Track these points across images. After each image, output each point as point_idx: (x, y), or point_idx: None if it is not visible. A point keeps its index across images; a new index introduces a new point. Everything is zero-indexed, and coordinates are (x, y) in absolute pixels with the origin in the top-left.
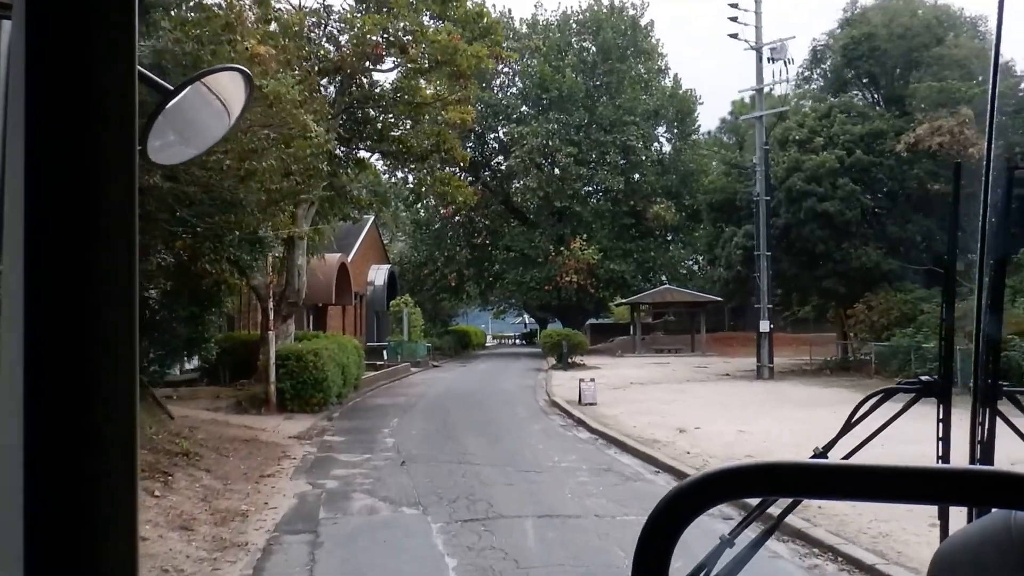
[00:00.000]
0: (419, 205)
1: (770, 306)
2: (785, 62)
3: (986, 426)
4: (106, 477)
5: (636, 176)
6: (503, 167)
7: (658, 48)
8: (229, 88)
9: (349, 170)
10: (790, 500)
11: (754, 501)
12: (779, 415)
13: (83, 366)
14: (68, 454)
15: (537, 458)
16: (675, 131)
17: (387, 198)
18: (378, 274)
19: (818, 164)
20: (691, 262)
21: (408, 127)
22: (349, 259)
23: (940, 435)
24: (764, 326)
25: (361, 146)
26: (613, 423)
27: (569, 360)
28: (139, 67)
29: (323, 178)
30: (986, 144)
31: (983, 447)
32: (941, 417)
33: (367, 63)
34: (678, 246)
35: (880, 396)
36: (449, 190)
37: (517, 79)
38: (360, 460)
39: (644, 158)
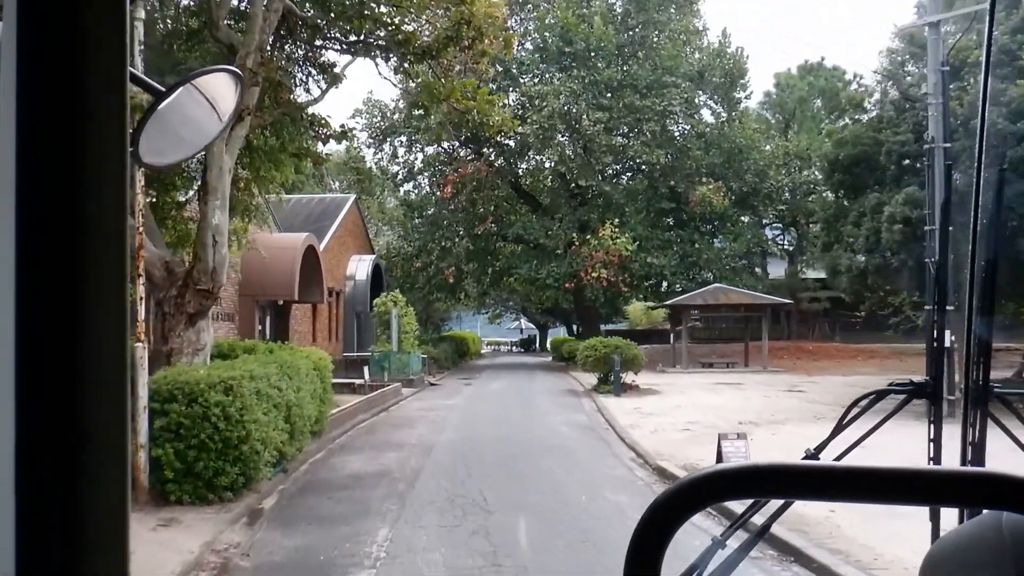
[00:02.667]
0: (411, 186)
1: (951, 308)
2: None
3: (977, 427)
4: (98, 476)
5: (678, 150)
6: (511, 142)
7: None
8: (220, 89)
9: (310, 79)
10: (782, 502)
11: (746, 503)
12: None
13: (74, 366)
14: (60, 453)
15: None
16: (722, 98)
17: (371, 175)
18: (360, 266)
19: None
20: (740, 258)
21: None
22: (322, 246)
23: (931, 436)
24: (948, 338)
25: (330, 41)
26: (842, 541)
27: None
28: (131, 68)
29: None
30: (977, 145)
31: (974, 448)
32: (932, 418)
33: None
34: (729, 238)
35: (872, 398)
36: (475, 105)
37: (533, 30)
38: None
39: (689, 128)
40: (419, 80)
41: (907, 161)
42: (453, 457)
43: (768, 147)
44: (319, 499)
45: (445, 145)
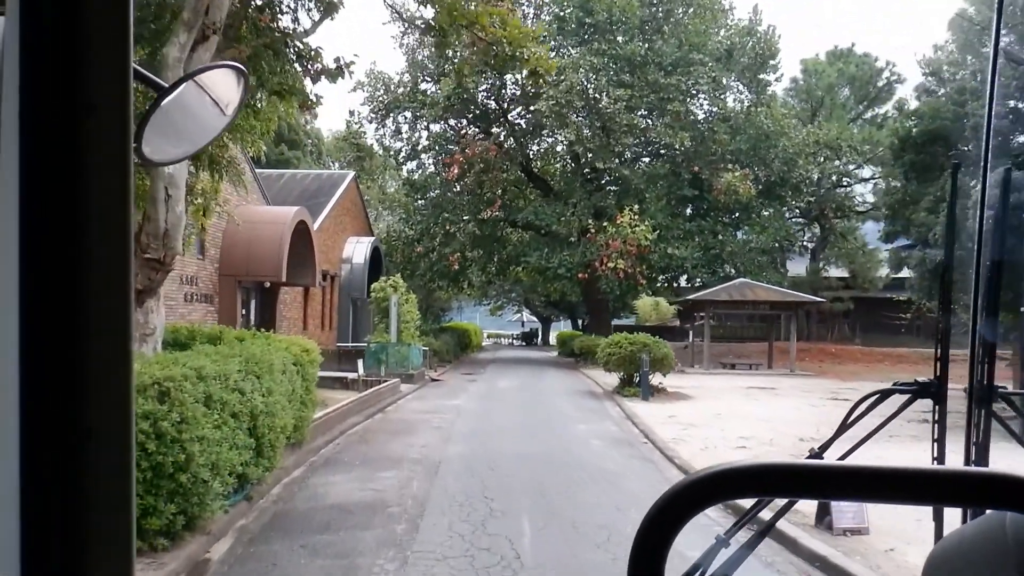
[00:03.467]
0: (415, 165)
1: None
2: None
3: (981, 427)
4: (102, 474)
5: (702, 133)
6: (522, 121)
7: None
8: (224, 85)
9: (300, 6)
10: (785, 501)
11: (749, 502)
12: None
13: (78, 362)
14: (64, 452)
15: None
16: (750, 80)
17: (371, 152)
18: (357, 249)
19: None
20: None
21: None
22: (316, 225)
23: (935, 436)
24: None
25: None
26: None
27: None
28: (133, 64)
29: None
30: (983, 146)
31: (978, 448)
32: (937, 418)
33: None
34: (754, 229)
35: (876, 397)
36: (506, 34)
37: None
38: None
39: (715, 110)
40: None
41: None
42: (466, 483)
43: (799, 134)
44: (287, 545)
45: (452, 122)
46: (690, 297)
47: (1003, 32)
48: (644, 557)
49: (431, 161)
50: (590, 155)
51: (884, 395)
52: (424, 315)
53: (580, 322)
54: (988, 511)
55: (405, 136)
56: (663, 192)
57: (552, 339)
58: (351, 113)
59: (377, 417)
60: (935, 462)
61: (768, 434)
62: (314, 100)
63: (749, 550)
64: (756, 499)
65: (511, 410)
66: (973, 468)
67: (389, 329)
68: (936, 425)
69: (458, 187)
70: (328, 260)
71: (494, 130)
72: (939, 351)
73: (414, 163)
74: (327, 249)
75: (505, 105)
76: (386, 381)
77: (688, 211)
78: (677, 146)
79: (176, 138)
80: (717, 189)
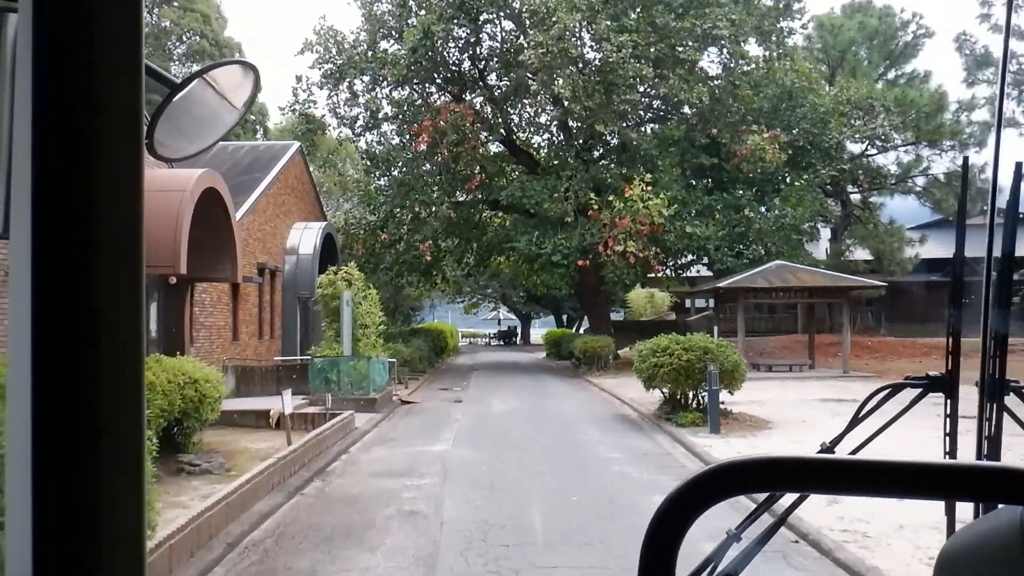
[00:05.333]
0: (375, 136)
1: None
2: None
3: (993, 421)
4: (114, 471)
5: (721, 88)
6: (504, 84)
7: None
8: (233, 81)
9: None
10: (797, 495)
11: (761, 496)
12: None
13: (90, 359)
14: (76, 451)
15: None
16: (771, 27)
17: (323, 124)
18: (305, 237)
19: None
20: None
21: None
22: (248, 205)
23: (947, 430)
24: None
25: None
26: None
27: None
28: (145, 60)
29: None
30: (995, 137)
31: (990, 442)
32: (948, 412)
33: None
34: (789, 202)
35: (888, 391)
36: None
37: None
38: None
39: (736, 61)
40: None
41: None
42: None
43: (830, 89)
44: None
45: (419, 87)
46: (720, 284)
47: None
48: (655, 553)
49: (394, 131)
50: (587, 116)
51: (896, 389)
52: (392, 316)
53: (565, 318)
54: (1000, 506)
55: (363, 102)
56: (676, 160)
57: (533, 338)
58: (298, 79)
59: (310, 491)
60: (947, 456)
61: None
62: None
63: (761, 545)
64: (768, 494)
65: (527, 461)
66: (985, 462)
67: (341, 337)
68: (948, 419)
69: (428, 164)
70: (267, 250)
71: (468, 97)
72: (950, 344)
73: (374, 134)
74: (265, 236)
75: (482, 64)
76: (336, 415)
77: (707, 182)
78: (694, 102)
79: (188, 134)
80: (739, 155)
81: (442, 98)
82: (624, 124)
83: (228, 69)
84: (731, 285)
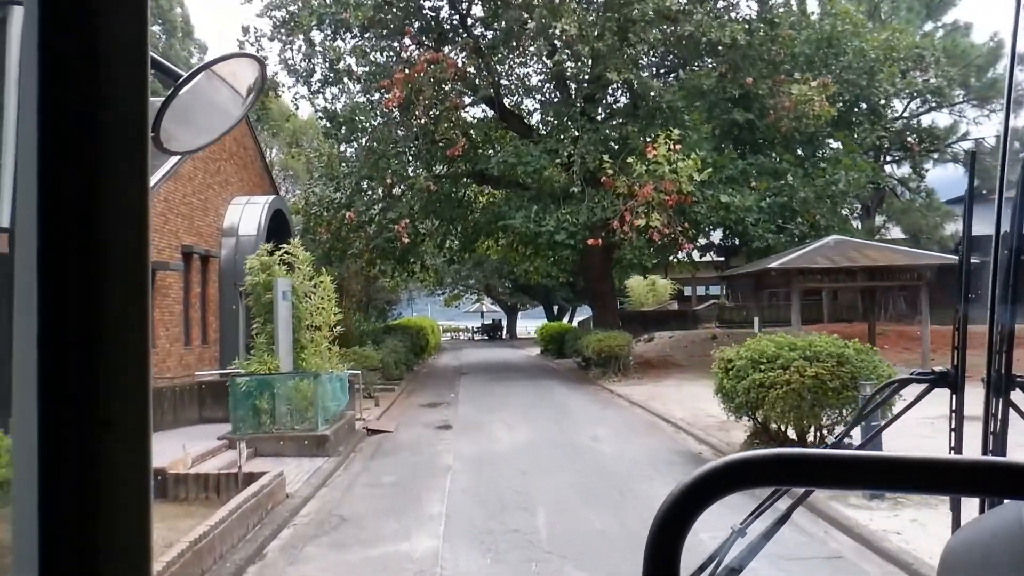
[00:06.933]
0: (338, 91)
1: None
2: None
3: (999, 417)
4: (121, 465)
5: (758, 29)
6: (493, 31)
7: None
8: (240, 74)
9: None
10: (803, 490)
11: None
12: None
13: (96, 352)
14: (83, 447)
15: None
16: None
17: (274, 82)
18: (248, 214)
19: None
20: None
21: None
22: (167, 169)
23: (953, 426)
24: None
25: None
26: None
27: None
28: (151, 54)
29: None
30: (1003, 130)
31: (996, 438)
32: (954, 408)
33: None
34: (843, 165)
35: (895, 387)
36: None
37: None
38: None
39: None
40: None
41: None
42: None
43: (878, 33)
44: None
45: (387, 39)
46: (772, 265)
47: None
48: (660, 547)
49: (360, 89)
50: (596, 62)
51: (901, 384)
52: (365, 311)
53: (556, 310)
54: (1005, 501)
55: (321, 50)
56: (702, 115)
57: (521, 331)
58: (245, 31)
59: None
60: (953, 452)
61: None
62: None
63: (766, 540)
64: (773, 488)
65: None
66: (991, 458)
67: (275, 345)
68: (954, 415)
69: (403, 130)
70: (195, 229)
71: (447, 50)
72: (957, 339)
73: (336, 90)
74: (192, 212)
75: (464, 6)
76: (253, 477)
77: (738, 143)
78: (726, 42)
79: (194, 127)
80: (781, 109)
81: (417, 51)
82: (640, 72)
83: (234, 62)
84: (784, 266)
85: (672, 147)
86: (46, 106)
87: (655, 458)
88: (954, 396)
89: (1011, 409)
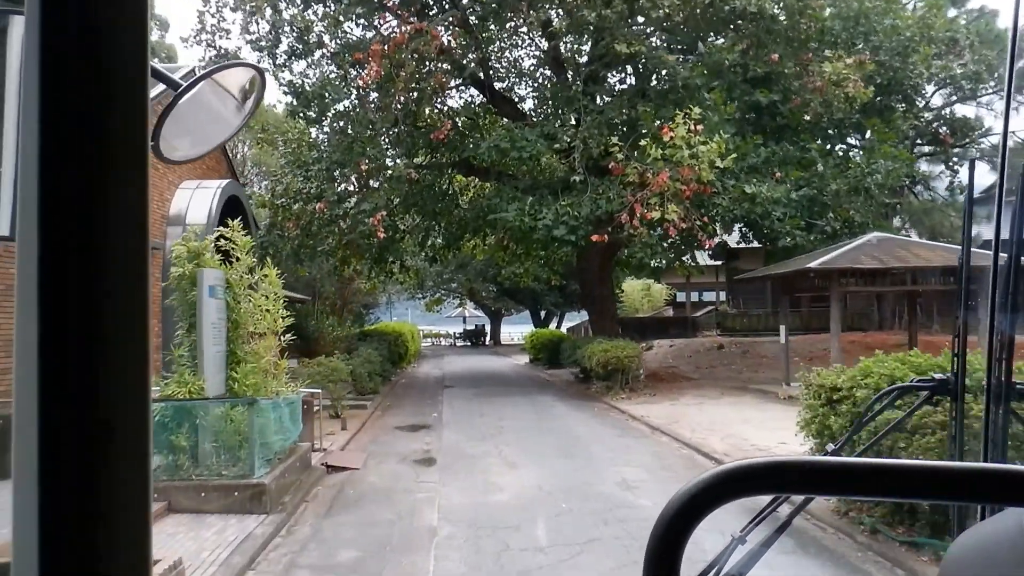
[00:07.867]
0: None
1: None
2: None
3: (999, 424)
4: (120, 466)
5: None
6: (482, 3)
7: None
8: (239, 83)
9: None
10: (802, 498)
11: (765, 499)
12: None
13: (96, 354)
14: (84, 449)
15: None
16: None
17: (236, 57)
18: (197, 200)
19: None
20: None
21: None
22: None
23: (953, 432)
24: None
25: None
26: None
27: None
28: (151, 63)
29: None
30: (1001, 140)
31: (996, 445)
32: (955, 415)
33: None
34: (880, 153)
35: (895, 394)
36: None
37: None
38: None
39: None
40: None
41: None
42: None
43: (913, 11)
44: None
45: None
46: (811, 264)
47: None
48: (660, 556)
49: (331, 64)
50: (602, 32)
51: (902, 392)
52: (340, 315)
53: (543, 315)
54: (1006, 508)
55: (288, 20)
56: (723, 95)
57: (505, 337)
58: (205, 1)
59: None
60: (953, 458)
61: None
62: None
63: (765, 548)
64: (773, 496)
65: None
66: (991, 464)
67: (199, 360)
68: (954, 421)
69: (382, 112)
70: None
71: (429, 20)
72: (956, 347)
73: (305, 63)
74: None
75: None
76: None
77: (761, 128)
78: (752, 11)
79: (193, 136)
80: (815, 87)
81: (398, 26)
82: (652, 44)
83: (234, 71)
84: (823, 266)
85: (692, 128)
86: (47, 112)
87: (725, 522)
88: (954, 403)
89: (1011, 416)
